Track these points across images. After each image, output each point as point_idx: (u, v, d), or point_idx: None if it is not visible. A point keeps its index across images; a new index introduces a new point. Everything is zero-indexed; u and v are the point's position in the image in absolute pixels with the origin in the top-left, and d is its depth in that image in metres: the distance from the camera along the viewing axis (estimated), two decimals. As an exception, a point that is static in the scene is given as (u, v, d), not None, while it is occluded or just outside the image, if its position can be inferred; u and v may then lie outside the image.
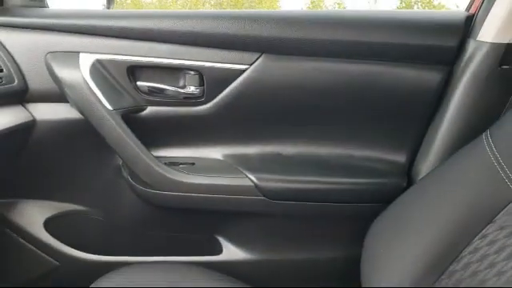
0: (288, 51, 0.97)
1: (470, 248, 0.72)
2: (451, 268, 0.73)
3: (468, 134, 0.92)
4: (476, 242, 0.72)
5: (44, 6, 1.07)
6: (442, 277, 0.73)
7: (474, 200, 0.75)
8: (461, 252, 0.73)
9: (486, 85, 0.95)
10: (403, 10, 1.04)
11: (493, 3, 0.95)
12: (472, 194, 0.76)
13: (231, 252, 1.08)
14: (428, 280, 0.74)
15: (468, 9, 1.02)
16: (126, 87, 0.98)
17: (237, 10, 1.04)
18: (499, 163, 0.74)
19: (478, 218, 0.73)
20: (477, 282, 0.68)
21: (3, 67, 0.91)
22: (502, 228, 0.71)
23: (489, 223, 0.72)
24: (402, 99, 1.00)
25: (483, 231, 0.72)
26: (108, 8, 1.22)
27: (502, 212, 0.71)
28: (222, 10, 1.07)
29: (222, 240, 1.09)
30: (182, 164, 1.02)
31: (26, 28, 0.96)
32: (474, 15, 0.99)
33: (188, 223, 1.07)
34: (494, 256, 0.69)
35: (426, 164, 0.99)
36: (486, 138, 0.80)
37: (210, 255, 1.08)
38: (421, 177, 0.99)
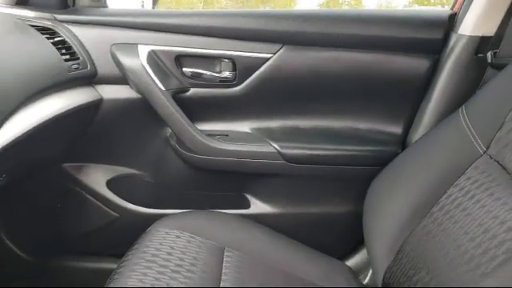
0: (304, 43, 1.18)
1: (446, 195, 0.93)
2: (431, 211, 0.93)
3: (450, 109, 1.11)
4: (450, 190, 0.93)
5: (105, 5, 1.29)
6: (424, 218, 0.93)
7: (450, 158, 0.96)
8: (439, 199, 0.94)
9: (464, 70, 1.15)
10: (398, 9, 1.21)
11: (471, 3, 1.15)
12: (449, 154, 0.97)
13: (258, 206, 1.30)
14: (413, 222, 0.95)
15: (452, 7, 1.22)
16: (174, 72, 1.19)
17: (261, 9, 1.25)
18: (469, 129, 0.95)
19: (452, 172, 0.94)
20: (450, 219, 0.89)
21: (79, 55, 1.13)
22: (469, 178, 0.91)
23: (460, 176, 0.93)
24: (398, 82, 1.20)
25: (456, 182, 0.93)
26: (153, 7, 1.44)
27: (471, 167, 0.92)
28: (250, 9, 1.28)
29: (249, 197, 1.30)
30: (218, 135, 1.24)
31: (95, 24, 1.18)
32: (456, 13, 1.20)
33: (222, 183, 1.29)
34: (464, 200, 0.90)
35: (417, 134, 1.20)
36: (461, 111, 1.01)
37: (240, 209, 1.29)
38: (412, 144, 1.20)
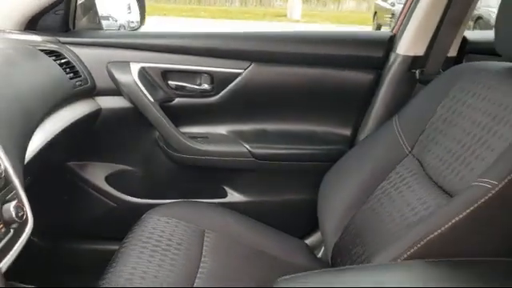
0: (269, 60, 1.41)
1: (380, 186, 1.16)
2: (368, 199, 1.16)
3: (387, 116, 1.34)
4: (384, 183, 1.16)
5: (101, 27, 1.49)
6: (363, 204, 1.16)
7: (384, 157, 1.19)
8: (375, 189, 1.16)
9: (400, 84, 1.39)
10: (347, 30, 1.39)
11: (405, 28, 1.38)
12: (384, 153, 1.20)
13: (233, 196, 1.52)
14: (355, 207, 1.16)
15: (392, 29, 1.46)
16: (161, 85, 1.41)
17: (235, 31, 1.46)
18: (399, 134, 1.19)
19: (386, 168, 1.17)
20: (381, 206, 1.11)
21: (81, 73, 1.33)
22: (397, 173, 1.15)
23: (392, 171, 1.16)
24: (347, 92, 1.44)
25: (388, 176, 1.16)
26: (140, 25, 1.64)
27: (399, 164, 1.15)
28: (225, 31, 1.48)
29: (226, 188, 1.53)
30: (199, 137, 1.46)
31: (93, 45, 1.38)
32: (395, 34, 1.43)
33: (203, 177, 1.51)
34: (392, 191, 1.13)
35: (362, 135, 1.44)
36: (395, 118, 1.24)
37: (218, 198, 1.52)
38: (358, 144, 1.44)
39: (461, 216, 0.80)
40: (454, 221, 0.80)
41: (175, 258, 1.11)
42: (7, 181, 0.77)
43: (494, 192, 0.79)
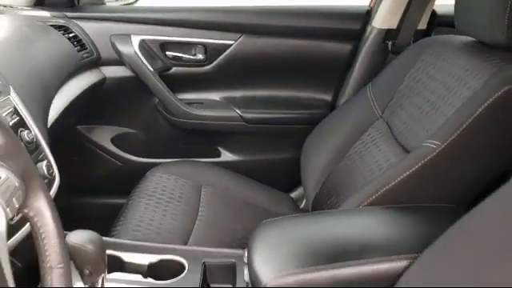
0: (257, 33, 1.55)
1: (355, 146, 1.31)
2: (344, 157, 1.32)
3: (363, 83, 1.48)
4: (357, 142, 1.32)
5: (103, 2, 1.61)
6: (340, 161, 1.32)
7: (359, 120, 1.34)
8: (349, 148, 1.32)
9: (375, 55, 1.53)
10: (328, 4, 1.47)
11: (380, 3, 1.51)
12: (359, 117, 1.35)
13: (226, 156, 1.69)
14: (333, 163, 1.33)
15: (369, 4, 1.59)
16: (159, 56, 1.54)
17: (226, 6, 1.59)
18: (372, 100, 1.34)
19: (359, 130, 1.32)
20: (353, 163, 1.28)
21: (87, 46, 1.46)
22: (369, 135, 1.31)
23: (364, 132, 1.32)
24: (328, 62, 1.58)
25: (361, 137, 1.32)
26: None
27: (371, 127, 1.31)
28: (218, 6, 1.60)
29: (220, 148, 1.69)
30: (195, 103, 1.61)
31: (97, 19, 1.51)
32: (372, 8, 1.56)
33: (199, 138, 1.67)
34: (363, 150, 1.29)
35: (341, 101, 1.59)
36: (369, 85, 1.39)
37: (213, 158, 1.69)
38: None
39: (410, 171, 0.97)
40: (404, 175, 0.97)
41: (177, 208, 1.28)
42: (37, 144, 0.93)
43: (437, 151, 0.95)
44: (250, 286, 0.84)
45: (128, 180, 1.45)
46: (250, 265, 0.85)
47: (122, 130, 1.66)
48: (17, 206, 0.52)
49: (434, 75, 1.16)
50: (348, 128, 1.35)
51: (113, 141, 1.65)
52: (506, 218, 0.66)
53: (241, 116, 1.59)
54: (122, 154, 1.66)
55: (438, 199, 0.98)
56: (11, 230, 0.68)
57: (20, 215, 0.59)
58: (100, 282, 0.82)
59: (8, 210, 0.50)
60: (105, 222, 1.26)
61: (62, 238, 0.58)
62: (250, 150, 1.68)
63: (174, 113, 1.58)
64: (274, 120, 1.61)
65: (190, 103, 1.60)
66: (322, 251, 0.84)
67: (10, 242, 0.70)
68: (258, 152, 1.68)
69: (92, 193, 1.69)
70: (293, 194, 1.66)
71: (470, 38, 1.13)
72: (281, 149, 1.67)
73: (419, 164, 0.96)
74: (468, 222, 0.72)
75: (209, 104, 1.62)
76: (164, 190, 1.34)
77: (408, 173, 0.97)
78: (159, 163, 1.50)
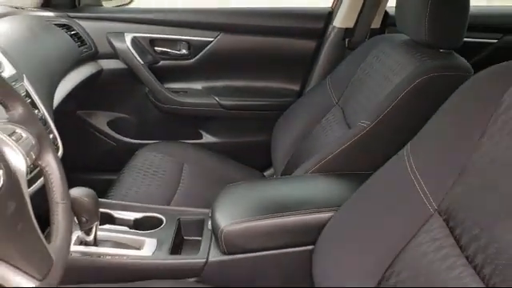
0: (233, 31, 1.77)
1: (315, 129, 1.55)
2: (307, 137, 1.55)
3: (325, 75, 1.69)
4: (317, 126, 1.54)
5: (100, 4, 1.83)
6: (302, 142, 1.55)
7: (319, 107, 1.57)
8: (310, 132, 1.55)
9: (335, 50, 1.76)
10: (295, 6, 1.68)
11: (340, 4, 1.73)
12: (319, 105, 1.58)
13: (207, 138, 1.91)
14: (298, 142, 1.57)
15: (332, 5, 1.81)
16: (149, 51, 1.77)
17: (206, 7, 1.81)
18: (330, 90, 1.54)
19: (319, 115, 1.54)
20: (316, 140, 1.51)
21: (86, 42, 1.68)
22: (327, 119, 1.53)
23: (322, 118, 1.54)
24: (295, 57, 1.81)
25: (321, 121, 1.54)
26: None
27: (329, 112, 1.53)
28: (199, 7, 1.83)
29: (201, 131, 1.92)
30: (180, 91, 1.83)
31: (95, 19, 1.73)
32: (333, 9, 1.78)
33: (183, 122, 1.90)
34: (321, 132, 1.51)
35: (307, 90, 1.81)
36: (328, 77, 1.60)
37: (195, 139, 1.91)
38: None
39: (345, 145, 1.20)
40: (341, 148, 1.20)
41: (160, 181, 1.50)
42: (45, 121, 1.16)
43: (367, 129, 1.18)
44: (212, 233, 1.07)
45: (121, 158, 1.66)
46: (212, 217, 1.08)
47: (117, 115, 1.89)
48: (34, 157, 0.75)
49: (378, 68, 1.38)
50: (310, 114, 1.58)
51: (108, 124, 1.88)
52: (390, 179, 0.90)
53: (219, 103, 1.81)
54: (116, 135, 1.89)
55: (365, 167, 1.19)
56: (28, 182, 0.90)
57: (35, 171, 0.80)
58: (94, 228, 1.05)
59: (27, 159, 0.73)
60: (99, 194, 1.47)
61: (65, 182, 0.80)
62: (228, 133, 1.91)
63: (161, 100, 1.81)
64: (248, 106, 1.85)
65: (175, 92, 1.83)
66: (267, 206, 1.07)
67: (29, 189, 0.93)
68: (234, 135, 1.91)
69: (89, 169, 1.89)
70: (266, 173, 1.87)
71: (406, 36, 1.35)
72: (254, 132, 1.89)
73: (353, 139, 1.20)
74: (370, 183, 0.96)
75: (192, 92, 1.85)
76: (151, 166, 1.56)
77: (344, 146, 1.20)
78: (148, 144, 1.72)
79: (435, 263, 0.73)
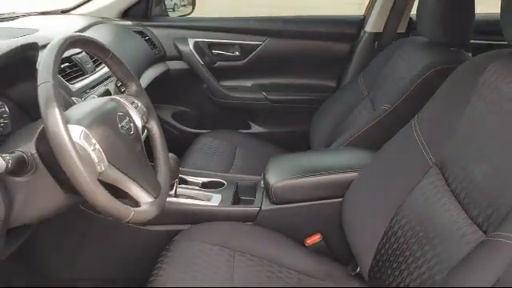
0: (279, 36, 2.08)
1: (347, 117, 1.84)
2: (341, 124, 1.84)
3: (358, 72, 1.98)
4: (349, 116, 1.84)
5: (167, 14, 2.19)
6: (338, 127, 1.84)
7: (352, 99, 1.86)
8: (343, 120, 1.85)
9: (366, 51, 2.04)
10: (332, 14, 2.00)
11: (371, 12, 2.02)
12: (351, 98, 1.87)
13: (255, 128, 2.21)
14: (332, 131, 1.86)
15: (364, 13, 2.09)
16: (208, 53, 2.11)
17: (256, 16, 2.14)
18: (362, 85, 1.84)
19: (351, 107, 1.83)
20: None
21: (157, 46, 2.03)
22: (358, 109, 1.82)
23: (354, 109, 1.83)
24: (332, 57, 2.10)
25: (352, 112, 1.83)
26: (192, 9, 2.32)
27: (360, 103, 1.82)
28: (250, 16, 2.17)
29: (250, 122, 2.22)
30: (233, 88, 2.16)
31: (164, 27, 2.08)
32: (365, 16, 2.07)
33: (235, 115, 2.21)
34: (351, 120, 1.80)
35: (341, 86, 2.09)
36: (361, 74, 1.88)
37: (245, 129, 2.21)
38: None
39: (371, 124, 1.48)
40: (368, 126, 1.49)
41: (218, 159, 1.80)
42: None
43: (387, 112, 1.47)
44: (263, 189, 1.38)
45: (183, 145, 1.99)
46: (264, 177, 1.38)
47: (180, 108, 2.23)
48: (145, 120, 1.08)
49: (401, 64, 1.66)
50: (344, 105, 1.85)
51: (173, 116, 2.22)
52: (401, 142, 1.18)
53: (266, 98, 2.13)
54: (179, 126, 2.22)
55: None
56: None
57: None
58: (175, 185, 1.37)
59: (141, 121, 1.06)
60: None
61: (164, 139, 1.13)
62: (272, 124, 2.23)
63: (217, 95, 2.14)
64: (291, 100, 2.15)
65: (229, 88, 2.15)
66: (306, 169, 1.36)
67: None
68: (278, 125, 2.23)
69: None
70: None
71: (425, 39, 1.62)
72: (295, 122, 2.19)
73: (377, 120, 1.48)
74: (385, 147, 1.24)
75: (243, 89, 2.18)
76: (209, 148, 1.88)
77: (369, 125, 1.49)
78: (206, 132, 2.05)
79: (431, 200, 1.00)
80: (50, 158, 0.86)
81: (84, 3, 1.95)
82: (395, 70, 1.68)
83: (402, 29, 2.01)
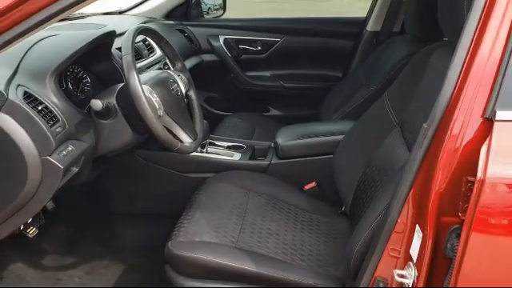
0: (294, 34, 2.49)
1: (349, 101, 2.23)
2: (343, 106, 2.23)
3: (359, 63, 2.37)
4: (351, 98, 2.23)
5: (203, 16, 2.63)
6: (339, 111, 2.23)
7: (353, 88, 2.26)
8: (346, 103, 2.24)
9: (367, 47, 2.41)
10: (338, 16, 2.39)
11: (371, 13, 2.40)
12: (353, 87, 2.27)
13: (272, 111, 2.63)
14: (337, 111, 2.26)
15: (366, 15, 2.47)
16: (235, 48, 2.52)
17: (275, 17, 2.55)
18: (363, 75, 2.23)
19: (353, 93, 2.23)
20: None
21: (194, 41, 2.46)
22: (360, 94, 2.21)
23: (355, 94, 2.22)
24: (338, 52, 2.48)
25: (353, 96, 2.23)
26: (223, 12, 2.75)
27: (358, 91, 2.21)
28: (270, 17, 2.59)
29: (269, 106, 2.64)
30: (255, 77, 2.57)
31: (199, 26, 2.51)
32: (367, 17, 2.45)
33: (256, 99, 2.64)
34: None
35: (345, 76, 2.48)
36: (361, 67, 2.27)
37: (264, 112, 2.64)
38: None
39: (361, 100, 1.88)
40: (357, 102, 1.88)
41: (240, 133, 2.22)
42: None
43: (373, 91, 1.85)
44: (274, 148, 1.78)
45: (212, 125, 2.40)
46: (274, 139, 1.79)
47: (210, 94, 2.65)
48: (186, 89, 1.51)
49: (391, 55, 2.04)
50: (346, 92, 2.24)
51: (205, 100, 2.64)
52: (375, 110, 1.56)
53: (283, 85, 2.54)
54: (209, 108, 2.64)
55: None
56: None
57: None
58: (206, 144, 1.79)
59: (185, 89, 1.49)
60: None
61: (199, 103, 1.56)
62: (288, 107, 2.64)
63: (242, 83, 2.55)
64: (303, 88, 2.55)
65: (252, 77, 2.57)
66: (306, 133, 1.76)
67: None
68: (292, 108, 2.63)
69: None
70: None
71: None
72: (306, 106, 2.57)
73: (364, 97, 1.87)
74: (365, 114, 1.63)
75: (264, 78, 2.59)
76: (234, 126, 2.27)
77: (359, 102, 1.88)
78: (231, 114, 2.46)
79: (392, 152, 1.38)
80: (127, 108, 1.31)
81: (137, 6, 2.39)
82: (384, 61, 2.06)
83: (397, 28, 2.38)
